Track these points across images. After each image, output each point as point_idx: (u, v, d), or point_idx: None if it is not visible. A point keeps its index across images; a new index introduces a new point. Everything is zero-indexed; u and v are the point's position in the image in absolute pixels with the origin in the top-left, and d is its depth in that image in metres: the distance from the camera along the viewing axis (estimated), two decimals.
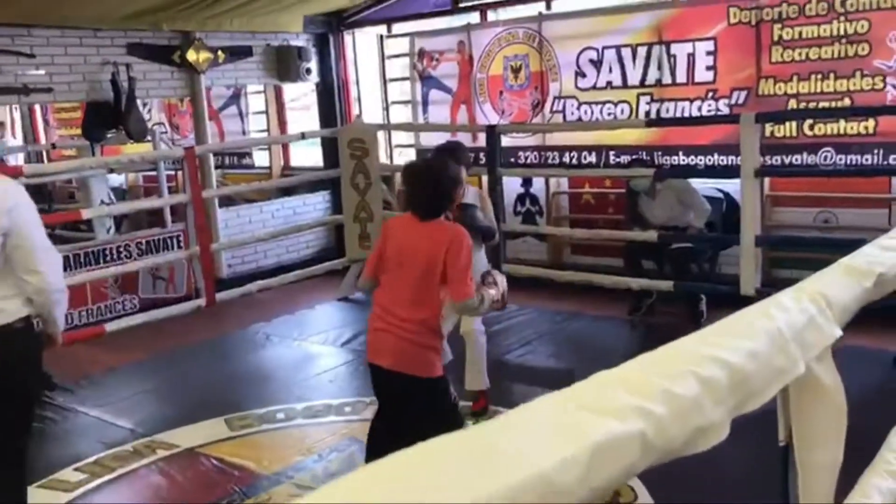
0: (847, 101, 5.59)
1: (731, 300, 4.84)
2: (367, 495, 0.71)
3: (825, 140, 5.74)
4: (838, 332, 1.45)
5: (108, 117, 6.78)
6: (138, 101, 6.99)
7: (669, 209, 5.81)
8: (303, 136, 7.74)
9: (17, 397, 2.88)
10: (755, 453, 2.23)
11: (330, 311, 6.84)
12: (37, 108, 9.55)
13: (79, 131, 7.84)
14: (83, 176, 7.81)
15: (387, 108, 8.25)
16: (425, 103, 7.80)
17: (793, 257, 5.80)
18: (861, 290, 1.59)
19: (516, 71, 7.15)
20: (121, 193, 8.93)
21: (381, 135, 7.45)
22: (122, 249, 6.63)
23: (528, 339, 5.70)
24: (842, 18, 5.54)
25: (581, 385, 0.97)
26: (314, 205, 8.30)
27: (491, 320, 5.11)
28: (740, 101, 6.01)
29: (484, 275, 3.35)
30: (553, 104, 6.95)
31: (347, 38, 8.48)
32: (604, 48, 6.61)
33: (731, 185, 5.88)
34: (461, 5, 7.60)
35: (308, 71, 8.00)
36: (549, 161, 7.05)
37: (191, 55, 7.19)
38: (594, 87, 6.71)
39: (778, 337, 1.25)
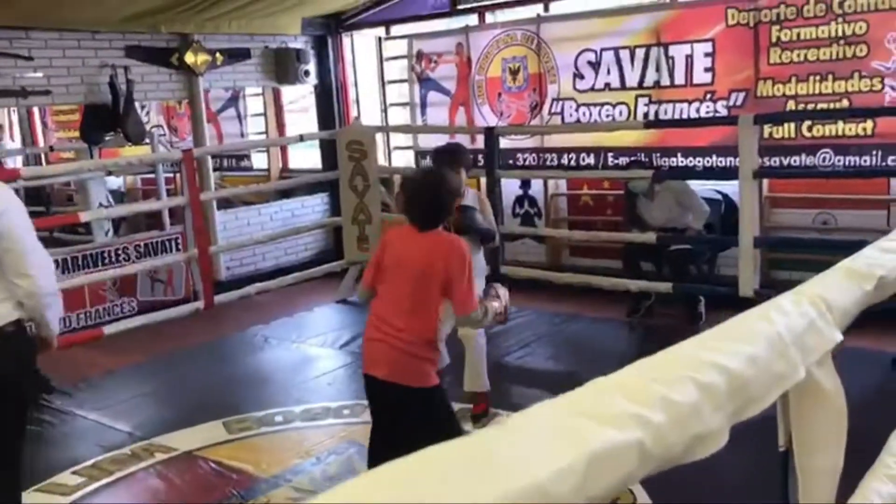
0: (845, 103, 5.59)
1: (729, 302, 4.87)
2: (366, 501, 0.70)
3: (824, 141, 5.73)
4: (839, 336, 1.44)
5: (107, 120, 6.78)
6: (136, 104, 6.98)
7: (668, 211, 5.81)
8: (301, 138, 7.72)
9: (10, 400, 2.88)
10: (755, 458, 2.22)
11: (328, 314, 6.83)
12: (35, 110, 9.53)
13: (77, 134, 7.83)
14: (81, 178, 7.80)
15: (385, 110, 8.24)
16: (424, 105, 7.79)
17: (791, 259, 5.81)
18: (861, 293, 1.58)
19: (514, 73, 7.14)
20: (119, 196, 8.93)
21: (379, 137, 7.45)
22: (120, 252, 6.63)
23: (527, 340, 5.70)
24: (840, 20, 5.54)
25: (579, 391, 0.96)
26: (312, 207, 8.30)
27: None
28: (738, 103, 6.01)
29: (486, 288, 3.40)
30: (551, 106, 6.95)
31: (346, 40, 8.47)
32: (602, 50, 6.60)
33: (730, 187, 5.89)
34: (459, 7, 7.59)
35: (306, 73, 8.00)
36: (548, 163, 7.04)
37: (189, 57, 7.18)
38: (592, 89, 6.71)
39: (778, 341, 1.24)
